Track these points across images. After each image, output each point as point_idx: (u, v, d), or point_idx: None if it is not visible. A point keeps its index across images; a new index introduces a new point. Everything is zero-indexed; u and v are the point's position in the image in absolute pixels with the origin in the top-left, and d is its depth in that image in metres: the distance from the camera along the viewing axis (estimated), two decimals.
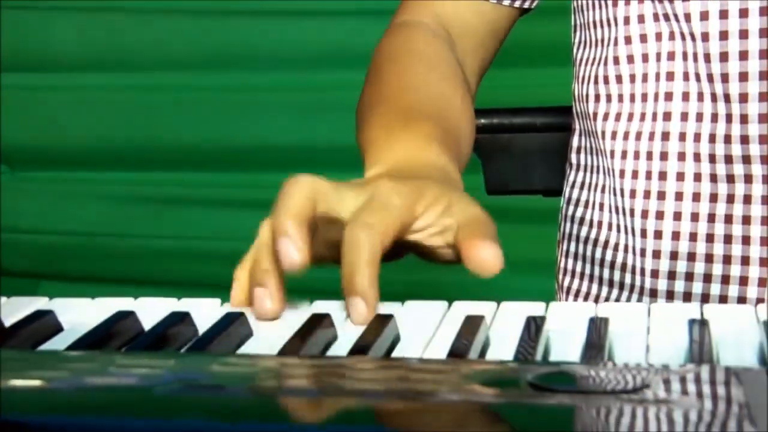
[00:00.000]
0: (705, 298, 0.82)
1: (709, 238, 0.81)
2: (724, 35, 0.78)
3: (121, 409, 0.41)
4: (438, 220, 0.61)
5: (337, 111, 1.82)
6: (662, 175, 0.83)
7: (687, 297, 0.82)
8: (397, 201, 0.60)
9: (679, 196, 0.82)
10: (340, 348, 0.54)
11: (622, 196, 0.85)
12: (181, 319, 0.56)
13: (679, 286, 0.82)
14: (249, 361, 0.48)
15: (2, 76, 1.94)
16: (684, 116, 0.81)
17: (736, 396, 0.39)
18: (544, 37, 1.40)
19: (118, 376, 0.44)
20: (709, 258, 0.81)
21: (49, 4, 1.95)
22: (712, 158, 0.80)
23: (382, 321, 0.54)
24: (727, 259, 0.81)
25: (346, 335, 0.55)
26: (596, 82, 0.87)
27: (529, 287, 0.98)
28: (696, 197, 0.82)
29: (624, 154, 0.85)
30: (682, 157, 0.82)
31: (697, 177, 0.81)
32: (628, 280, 0.85)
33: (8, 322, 0.56)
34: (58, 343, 0.54)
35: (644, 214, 0.83)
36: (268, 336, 0.55)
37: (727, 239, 0.81)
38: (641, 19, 0.83)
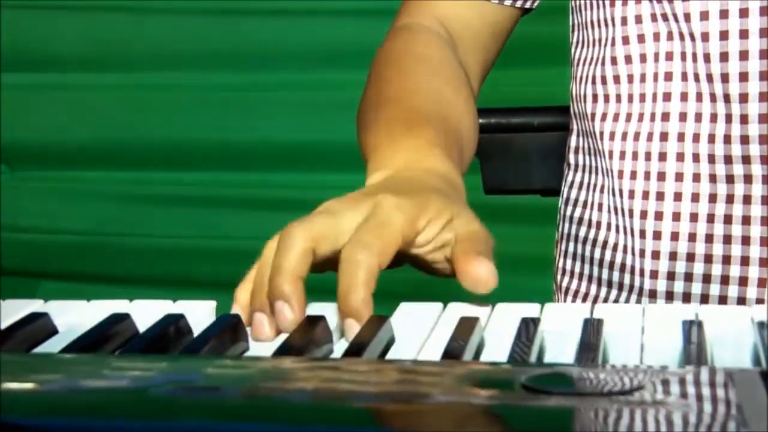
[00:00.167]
0: (704, 299, 0.81)
1: (709, 238, 0.81)
2: (724, 35, 0.78)
3: (116, 411, 0.41)
4: (438, 235, 0.62)
5: (338, 111, 1.82)
6: (661, 176, 0.83)
7: (686, 298, 0.82)
8: (399, 217, 0.60)
9: (678, 197, 0.82)
10: (335, 350, 0.54)
11: (621, 196, 0.85)
12: (176, 321, 0.56)
13: (678, 286, 0.82)
14: (243, 362, 0.48)
15: (2, 76, 1.94)
16: (683, 116, 0.81)
17: (730, 397, 0.39)
18: (542, 37, 1.41)
19: (113, 378, 0.44)
20: (708, 258, 0.81)
21: (49, 4, 1.95)
22: (712, 158, 0.80)
23: (376, 322, 0.54)
24: (726, 260, 0.81)
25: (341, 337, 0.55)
26: (594, 82, 0.87)
27: (526, 287, 0.98)
28: (695, 197, 0.81)
29: (622, 155, 0.84)
30: (680, 157, 0.82)
31: (696, 177, 0.81)
32: (626, 280, 0.85)
33: (4, 325, 0.56)
34: (53, 346, 0.54)
35: (643, 215, 0.83)
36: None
37: (727, 239, 0.81)
38: (639, 19, 0.83)
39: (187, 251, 1.98)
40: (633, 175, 0.84)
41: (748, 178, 0.79)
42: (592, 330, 0.51)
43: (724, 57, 0.78)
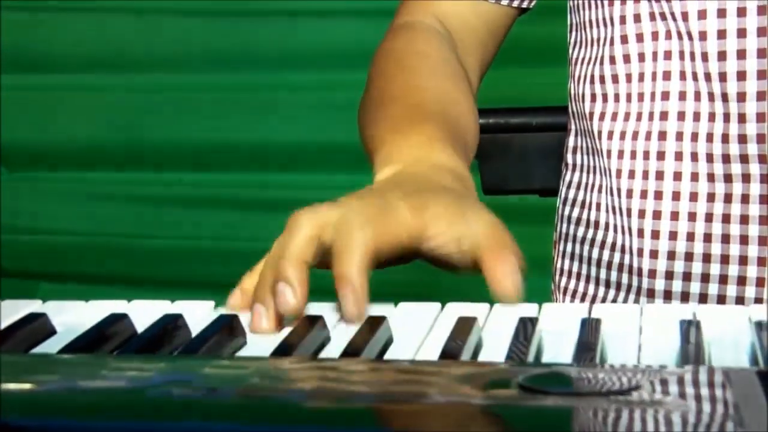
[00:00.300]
0: (703, 298, 0.81)
1: (707, 237, 0.81)
2: (722, 34, 0.78)
3: (113, 411, 0.41)
4: (451, 228, 0.60)
5: (338, 111, 1.83)
6: (659, 175, 0.83)
7: (685, 297, 0.82)
8: (404, 208, 0.60)
9: (676, 196, 0.82)
10: (333, 350, 0.54)
11: (619, 196, 0.85)
12: (174, 321, 0.56)
13: (677, 286, 0.82)
14: (241, 363, 0.48)
15: (1, 77, 1.94)
16: (681, 115, 0.81)
17: (727, 397, 0.39)
18: (541, 37, 1.41)
19: (110, 378, 0.44)
20: (706, 258, 0.81)
21: (49, 5, 1.95)
22: (710, 157, 0.80)
23: (374, 322, 0.54)
24: (725, 259, 0.81)
25: (339, 337, 0.55)
26: (592, 81, 0.87)
27: (525, 287, 0.98)
28: (693, 197, 0.81)
29: (621, 154, 0.84)
30: (679, 156, 0.82)
31: (695, 176, 0.81)
32: (625, 280, 0.85)
33: (3, 325, 0.56)
34: (51, 346, 0.54)
35: (641, 214, 0.83)
36: (261, 338, 0.55)
37: (725, 239, 0.81)
38: (637, 18, 0.83)
39: (187, 252, 1.98)
40: (631, 174, 0.84)
41: (746, 177, 0.79)
42: (590, 330, 0.51)
43: (722, 56, 0.78)
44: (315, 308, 0.59)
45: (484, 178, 1.03)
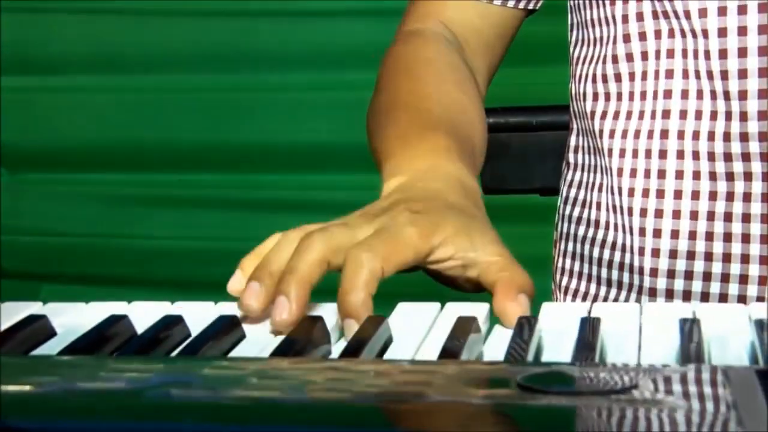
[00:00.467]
0: (705, 297, 0.81)
1: (709, 236, 0.81)
2: (722, 32, 0.78)
3: (112, 413, 0.41)
4: (460, 253, 0.62)
5: (338, 111, 1.83)
6: (661, 174, 0.82)
7: (686, 296, 0.82)
8: (412, 231, 0.61)
9: (678, 195, 0.82)
10: (333, 350, 0.54)
11: (621, 194, 0.84)
12: (174, 322, 0.56)
13: (679, 284, 0.82)
14: (240, 363, 0.48)
15: (2, 79, 1.94)
16: (683, 114, 0.81)
17: (725, 395, 0.39)
18: (541, 36, 1.40)
19: (109, 380, 0.44)
20: (708, 256, 0.81)
21: (49, 6, 1.95)
22: (712, 156, 0.80)
23: (374, 322, 0.54)
24: (726, 258, 0.80)
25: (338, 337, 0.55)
26: (594, 80, 0.87)
27: None
28: (695, 195, 0.81)
29: (622, 153, 0.84)
30: (681, 155, 0.82)
31: (696, 175, 0.81)
32: (626, 279, 0.85)
33: (3, 327, 0.56)
34: (51, 348, 0.55)
35: (643, 213, 0.83)
36: (260, 338, 0.55)
37: (727, 237, 0.80)
38: (640, 17, 0.83)
39: (188, 252, 1.98)
40: (633, 173, 0.84)
41: (748, 176, 0.79)
42: (589, 329, 0.51)
43: (723, 54, 0.78)
44: (316, 309, 0.59)
45: (485, 177, 1.03)
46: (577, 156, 0.91)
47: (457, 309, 0.57)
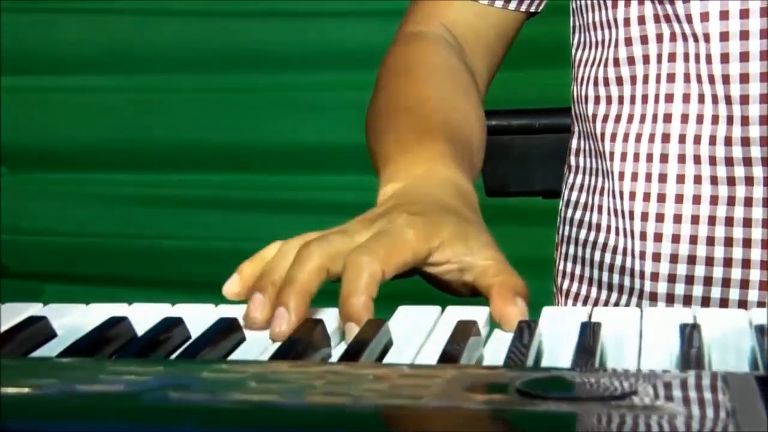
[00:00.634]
0: (705, 302, 0.81)
1: (710, 240, 0.81)
2: (724, 36, 0.78)
3: (111, 415, 0.41)
4: (456, 257, 0.63)
5: (339, 112, 1.83)
6: (662, 178, 0.82)
7: (687, 300, 0.82)
8: (410, 233, 0.61)
9: (679, 199, 0.82)
10: (333, 353, 0.54)
11: (622, 198, 0.84)
12: (174, 324, 0.56)
13: (680, 289, 0.82)
14: (240, 367, 0.48)
15: (2, 78, 1.94)
16: (684, 118, 0.81)
17: (724, 402, 0.39)
18: (543, 38, 1.40)
19: (108, 383, 0.44)
20: (709, 261, 0.81)
21: (49, 6, 1.95)
22: (713, 160, 0.80)
23: (374, 325, 0.54)
24: (727, 262, 0.80)
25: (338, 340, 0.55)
26: (596, 83, 0.86)
27: (527, 288, 0.97)
28: (696, 200, 0.81)
29: (624, 156, 0.84)
30: (682, 159, 0.82)
31: (698, 179, 0.81)
32: (627, 283, 0.85)
33: (3, 328, 0.56)
34: (51, 349, 0.55)
35: (644, 217, 0.83)
36: (260, 341, 0.55)
37: (728, 242, 0.80)
38: (642, 20, 0.82)
39: (189, 252, 1.98)
40: (634, 176, 0.84)
41: (749, 180, 0.79)
42: (589, 333, 0.51)
43: (724, 58, 0.78)
44: (316, 313, 0.59)
45: (487, 179, 1.03)
46: (579, 159, 0.91)
47: (458, 312, 0.57)
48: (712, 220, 0.81)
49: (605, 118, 0.86)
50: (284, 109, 1.90)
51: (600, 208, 0.87)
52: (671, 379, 0.41)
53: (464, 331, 0.53)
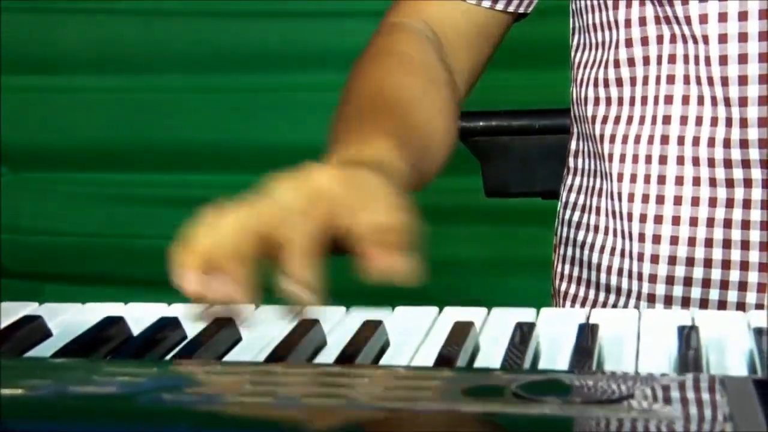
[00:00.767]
0: (704, 304, 0.81)
1: (708, 242, 0.81)
2: (723, 38, 0.78)
3: (104, 417, 0.41)
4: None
5: None
6: (661, 179, 0.82)
7: (685, 302, 0.82)
8: (324, 174, 0.64)
9: (677, 200, 0.82)
10: (329, 354, 0.53)
11: (620, 200, 0.84)
12: (170, 324, 0.56)
13: (678, 291, 0.82)
14: (234, 368, 0.48)
15: (3, 78, 1.94)
16: (683, 120, 0.81)
17: (721, 405, 0.39)
18: (543, 39, 1.40)
19: (102, 384, 0.44)
20: (707, 263, 0.81)
21: (49, 6, 1.95)
22: (711, 162, 0.80)
23: (371, 327, 0.54)
24: (726, 264, 0.80)
25: (335, 341, 0.55)
26: (596, 85, 0.86)
27: (526, 289, 0.97)
28: (695, 201, 0.81)
29: (622, 158, 0.84)
30: (681, 161, 0.81)
31: (696, 181, 0.81)
32: (625, 285, 0.85)
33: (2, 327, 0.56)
34: (46, 349, 0.54)
35: (642, 218, 0.83)
36: (256, 342, 0.55)
37: (726, 244, 0.80)
38: (642, 21, 0.82)
39: None
40: (633, 178, 0.83)
41: (747, 182, 0.79)
42: (587, 335, 0.51)
43: (723, 60, 0.78)
44: (310, 312, 0.59)
45: (486, 180, 1.03)
46: (578, 160, 0.90)
47: (455, 314, 0.57)
48: (710, 222, 0.81)
49: (604, 120, 0.86)
50: (284, 109, 1.90)
51: (598, 209, 0.87)
52: (669, 382, 0.41)
53: (461, 332, 0.53)
